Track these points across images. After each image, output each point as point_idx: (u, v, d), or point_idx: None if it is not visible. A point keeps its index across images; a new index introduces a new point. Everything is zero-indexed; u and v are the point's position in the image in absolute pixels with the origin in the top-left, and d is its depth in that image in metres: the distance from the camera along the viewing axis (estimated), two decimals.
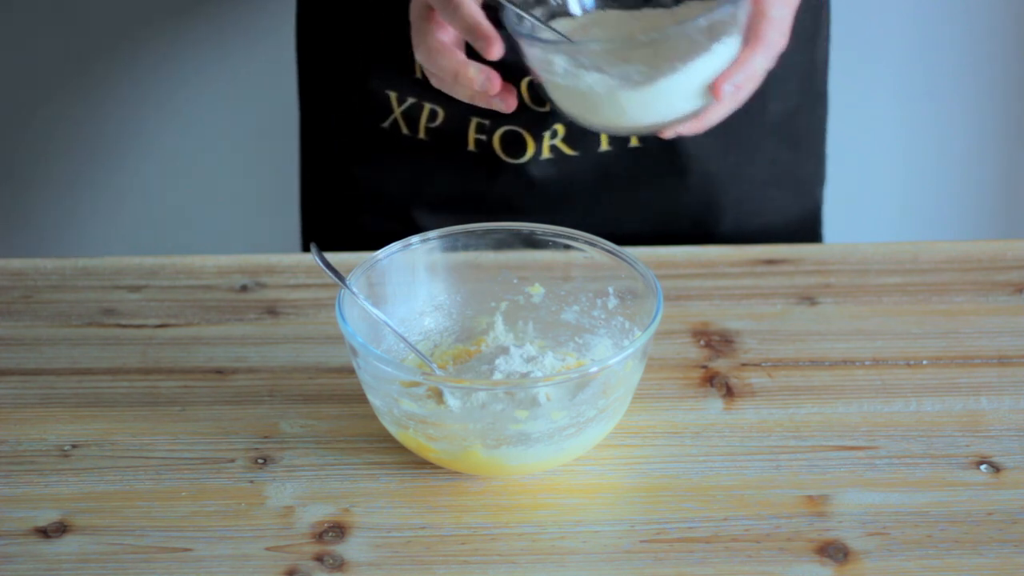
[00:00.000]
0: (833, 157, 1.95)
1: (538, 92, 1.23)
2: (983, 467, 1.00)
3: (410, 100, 1.27)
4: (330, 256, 1.22)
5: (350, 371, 1.01)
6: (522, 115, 1.25)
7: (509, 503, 0.98)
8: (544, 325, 1.08)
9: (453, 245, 1.07)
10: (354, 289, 1.01)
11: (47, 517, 0.97)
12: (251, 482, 1.00)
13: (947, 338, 1.12)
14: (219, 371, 1.10)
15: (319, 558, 0.94)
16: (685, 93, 1.00)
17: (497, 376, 1.01)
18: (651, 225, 1.30)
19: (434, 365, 1.04)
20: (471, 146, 1.28)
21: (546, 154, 1.26)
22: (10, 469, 1.01)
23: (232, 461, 1.01)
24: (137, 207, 1.93)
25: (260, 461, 1.01)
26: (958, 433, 1.03)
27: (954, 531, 0.95)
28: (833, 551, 0.94)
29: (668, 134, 1.04)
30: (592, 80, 0.99)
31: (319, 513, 0.97)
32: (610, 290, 1.05)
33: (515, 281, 1.09)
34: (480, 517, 0.97)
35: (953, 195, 1.99)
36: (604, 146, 1.27)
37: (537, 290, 1.08)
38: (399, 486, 0.99)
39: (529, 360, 1.03)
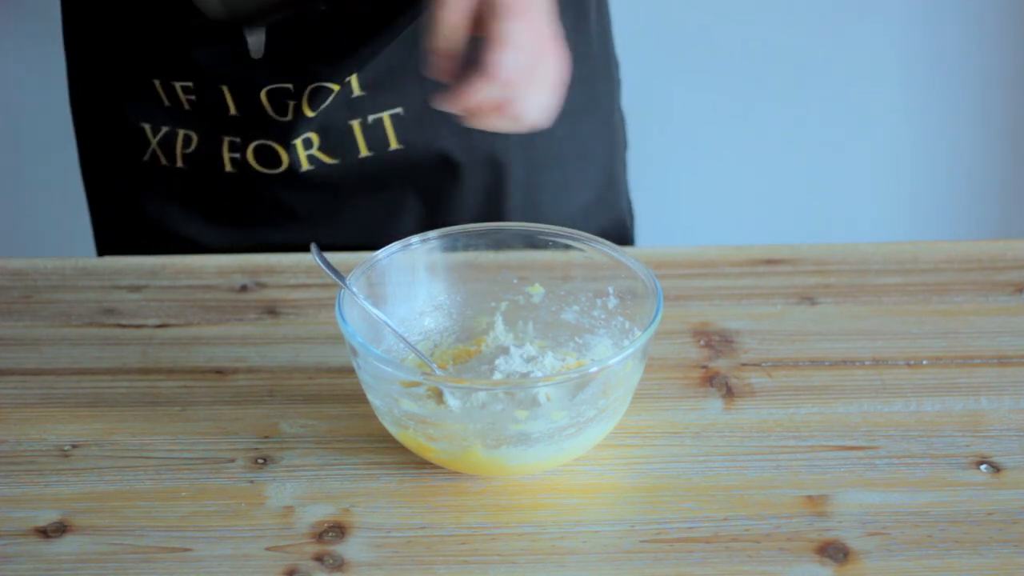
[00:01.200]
0: (833, 156, 1.96)
1: (278, 101, 1.23)
2: (983, 467, 1.00)
3: (164, 129, 1.27)
4: (330, 256, 1.22)
5: (350, 371, 1.01)
6: (268, 128, 1.24)
7: (509, 503, 0.98)
8: (544, 325, 1.08)
9: (453, 245, 1.07)
10: (354, 289, 1.01)
11: (47, 517, 0.97)
12: (251, 482, 1.00)
13: (947, 338, 1.12)
14: (219, 371, 1.10)
15: (319, 558, 0.94)
16: None
17: (497, 376, 1.01)
18: (437, 220, 1.28)
19: (434, 365, 1.04)
20: (228, 166, 1.27)
21: (305, 165, 1.26)
22: (10, 469, 1.01)
23: (232, 461, 1.01)
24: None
25: (260, 461, 1.01)
26: (958, 433, 1.03)
27: (954, 531, 0.95)
28: (833, 551, 0.94)
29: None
30: None
31: (319, 513, 0.97)
32: (610, 290, 1.05)
33: (515, 281, 1.09)
34: (480, 517, 0.97)
35: (953, 195, 2.00)
36: (363, 151, 1.26)
37: (537, 290, 1.08)
38: (399, 486, 0.99)
39: (529, 360, 1.03)
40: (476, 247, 1.08)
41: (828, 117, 1.91)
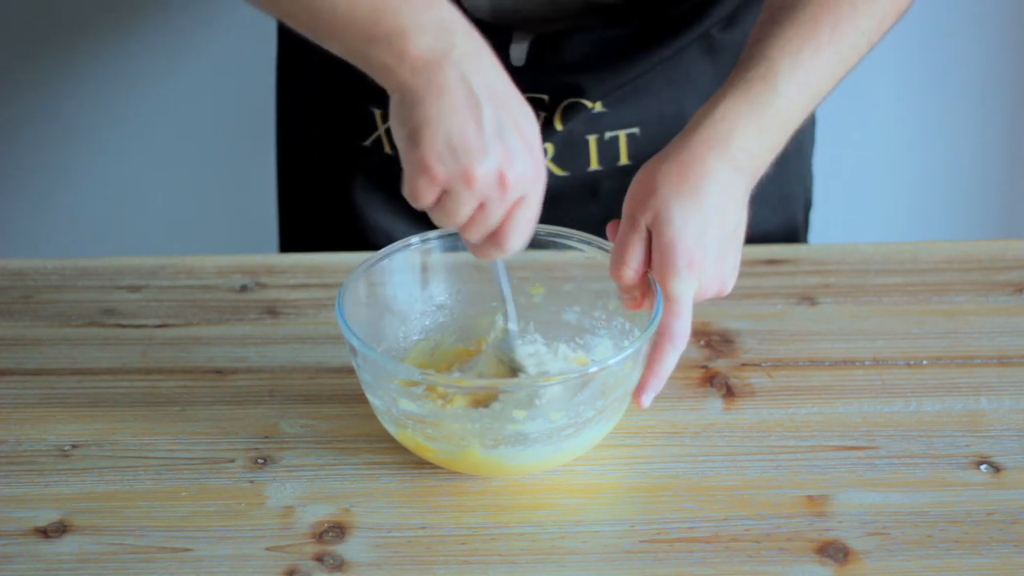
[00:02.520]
0: (834, 157, 1.96)
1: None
2: (983, 467, 1.00)
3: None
4: (329, 256, 1.22)
5: (350, 371, 1.01)
6: None
7: (509, 503, 0.98)
8: (545, 325, 1.08)
9: (453, 245, 1.07)
10: (512, 327, 1.01)
11: (47, 517, 0.97)
12: (251, 482, 1.00)
13: (947, 338, 1.12)
14: (219, 371, 1.10)
15: (319, 558, 0.94)
16: None
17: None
18: None
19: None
20: None
21: None
22: (10, 469, 1.01)
23: (232, 461, 1.01)
24: (137, 207, 1.93)
25: (260, 461, 1.01)
26: (958, 433, 1.03)
27: (954, 531, 0.95)
28: (833, 551, 0.94)
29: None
30: None
31: (319, 513, 0.97)
32: (610, 290, 1.05)
33: (515, 281, 1.09)
34: (480, 517, 0.97)
35: (953, 195, 1.99)
36: (594, 164, 1.26)
37: (538, 290, 1.08)
38: (399, 486, 0.99)
39: (532, 356, 1.03)
40: None
41: (828, 117, 1.90)
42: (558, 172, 1.25)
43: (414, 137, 0.91)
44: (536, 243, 1.07)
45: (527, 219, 0.94)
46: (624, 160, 1.26)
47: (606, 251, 1.05)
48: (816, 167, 1.96)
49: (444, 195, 0.92)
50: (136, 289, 1.19)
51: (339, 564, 0.93)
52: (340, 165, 1.31)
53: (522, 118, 0.93)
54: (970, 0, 1.86)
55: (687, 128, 1.01)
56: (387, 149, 1.28)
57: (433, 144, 0.90)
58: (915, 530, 0.95)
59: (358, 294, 1.02)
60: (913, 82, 1.91)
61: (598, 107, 1.23)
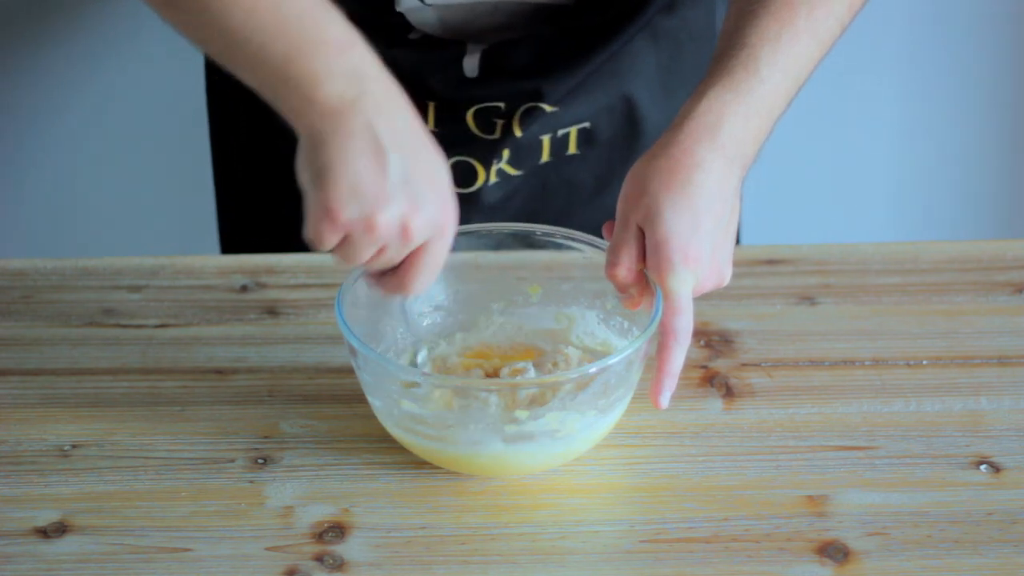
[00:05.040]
0: (833, 157, 1.96)
1: (486, 120, 1.22)
2: (983, 467, 1.00)
3: None
4: (325, 256, 1.22)
5: (350, 371, 1.01)
6: (472, 144, 1.24)
7: (509, 503, 0.98)
8: (542, 327, 1.08)
9: (453, 245, 1.07)
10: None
11: (47, 517, 0.97)
12: (251, 482, 1.00)
13: (947, 338, 1.12)
14: (219, 371, 1.10)
15: (319, 558, 0.94)
16: None
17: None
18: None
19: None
20: None
21: (493, 179, 1.26)
22: (10, 469, 1.01)
23: (232, 461, 1.01)
24: (137, 207, 1.93)
25: (260, 461, 1.01)
26: (958, 433, 1.03)
27: (954, 531, 0.95)
28: (833, 551, 0.94)
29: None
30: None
31: (319, 513, 0.97)
32: (609, 290, 1.05)
33: (514, 281, 1.09)
34: (480, 517, 0.97)
35: (953, 195, 1.99)
36: (545, 158, 1.26)
37: (536, 290, 1.08)
38: (399, 486, 0.99)
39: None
40: (476, 247, 1.07)
41: (828, 117, 1.90)
42: (512, 172, 1.25)
43: (318, 180, 0.91)
44: (534, 243, 1.07)
45: (430, 264, 0.94)
46: (573, 150, 1.26)
47: (604, 251, 1.05)
48: (816, 167, 1.97)
49: (345, 239, 0.92)
50: (136, 289, 1.19)
51: (339, 564, 0.93)
52: (290, 183, 1.31)
53: (431, 166, 0.93)
54: (970, 0, 1.86)
55: (674, 123, 1.01)
56: None
57: (336, 188, 0.90)
58: (915, 530, 0.95)
59: (357, 294, 1.02)
60: (913, 82, 1.91)
61: (549, 108, 1.23)
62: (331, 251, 0.93)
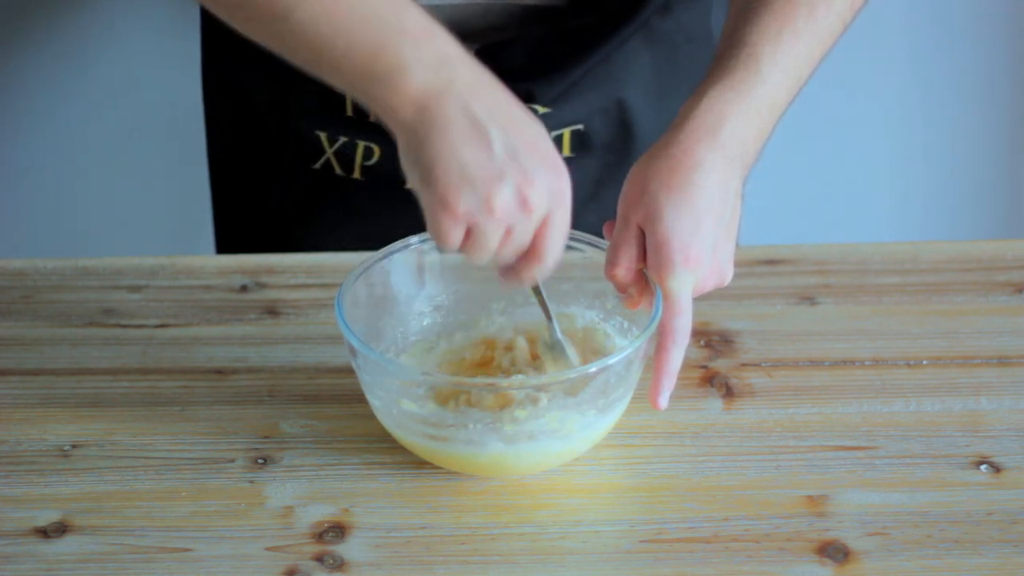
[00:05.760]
0: (833, 157, 1.96)
1: None
2: (983, 467, 1.00)
3: (342, 139, 1.25)
4: (329, 256, 1.22)
5: (350, 371, 1.01)
6: None
7: (509, 503, 0.98)
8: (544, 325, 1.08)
9: None
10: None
11: (47, 517, 0.97)
12: (251, 482, 1.00)
13: (947, 338, 1.12)
14: (219, 371, 1.10)
15: (319, 558, 0.94)
16: None
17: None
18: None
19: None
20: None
21: None
22: (10, 469, 1.01)
23: (232, 461, 1.01)
24: (137, 207, 1.93)
25: (260, 461, 1.01)
26: (958, 433, 1.03)
27: (954, 531, 0.95)
28: (833, 551, 0.94)
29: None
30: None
31: (319, 513, 0.97)
32: (609, 290, 1.05)
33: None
34: (480, 517, 0.97)
35: (953, 195, 1.99)
36: None
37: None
38: (399, 486, 0.99)
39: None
40: None
41: (828, 117, 1.90)
42: None
43: (427, 177, 0.90)
44: None
45: (559, 233, 0.94)
46: (567, 152, 1.26)
47: (604, 251, 1.05)
48: (816, 167, 1.97)
49: (470, 231, 0.91)
50: (136, 289, 1.19)
51: (339, 564, 0.93)
52: (286, 188, 1.31)
53: (534, 135, 0.92)
54: (970, 0, 1.86)
55: (674, 123, 1.01)
56: (337, 171, 1.27)
57: (448, 180, 0.89)
58: (915, 530, 0.95)
59: (357, 294, 1.02)
60: (913, 82, 1.91)
61: (542, 109, 1.23)
62: (461, 250, 0.92)
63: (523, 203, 0.91)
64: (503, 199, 0.90)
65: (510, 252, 0.93)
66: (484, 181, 0.90)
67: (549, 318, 1.02)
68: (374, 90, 0.91)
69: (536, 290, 1.01)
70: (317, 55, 0.93)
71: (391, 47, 0.90)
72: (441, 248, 0.92)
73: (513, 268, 0.95)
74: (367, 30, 0.91)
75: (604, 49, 1.23)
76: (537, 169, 0.91)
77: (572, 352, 1.03)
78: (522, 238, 0.93)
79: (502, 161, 0.90)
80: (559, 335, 1.02)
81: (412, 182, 0.92)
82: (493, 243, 0.92)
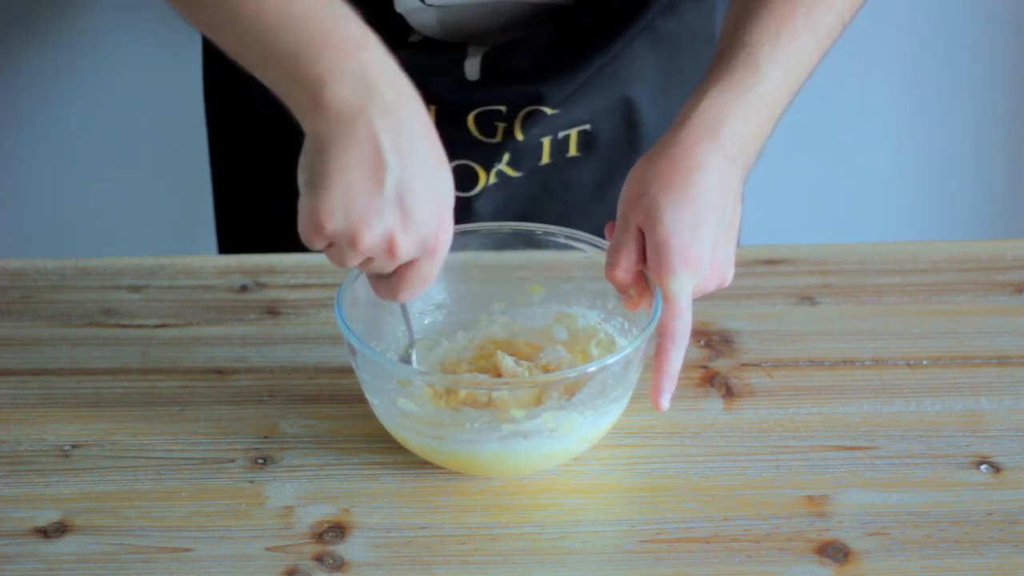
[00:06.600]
0: (833, 157, 1.96)
1: (487, 123, 1.22)
2: (983, 467, 1.00)
3: None
4: (324, 256, 1.22)
5: (350, 371, 1.01)
6: (473, 148, 1.23)
7: (509, 503, 0.98)
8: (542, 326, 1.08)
9: (453, 245, 1.07)
10: None
11: (47, 517, 0.97)
12: (251, 482, 1.00)
13: (947, 338, 1.12)
14: (219, 371, 1.10)
15: (319, 558, 0.94)
16: None
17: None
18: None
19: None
20: None
21: (493, 180, 1.25)
22: (10, 469, 1.01)
23: (232, 461, 1.01)
24: (137, 207, 1.93)
25: (260, 461, 1.01)
26: (958, 433, 1.03)
27: (954, 531, 0.95)
28: (833, 551, 0.94)
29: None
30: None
31: (319, 513, 0.97)
32: (610, 290, 1.05)
33: (515, 281, 1.09)
34: (480, 517, 0.97)
35: (953, 195, 1.99)
36: (545, 160, 1.26)
37: (537, 289, 1.08)
38: (399, 486, 0.99)
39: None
40: (476, 247, 1.07)
41: (828, 117, 1.90)
42: (512, 174, 1.25)
43: (311, 186, 0.90)
44: (535, 243, 1.07)
45: (418, 280, 0.93)
46: (573, 152, 1.26)
47: (605, 251, 1.05)
48: (816, 167, 1.97)
49: (330, 245, 0.92)
50: (136, 289, 1.19)
51: (339, 564, 0.93)
52: (288, 188, 1.31)
53: (432, 180, 0.91)
54: (970, 0, 1.86)
55: (674, 123, 1.01)
56: None
57: (327, 198, 0.89)
58: (915, 530, 0.95)
59: (357, 293, 1.02)
60: (913, 82, 1.91)
61: (550, 111, 1.23)
62: (322, 251, 0.93)
63: (389, 248, 0.90)
64: (370, 238, 0.90)
65: (369, 271, 0.94)
66: (359, 214, 0.89)
67: (410, 336, 1.02)
68: (292, 92, 0.91)
69: (402, 307, 1.01)
70: (244, 49, 0.92)
71: (314, 55, 0.89)
72: (305, 244, 0.93)
73: (374, 283, 0.96)
74: (294, 33, 0.90)
75: (610, 50, 1.23)
76: (418, 217, 0.90)
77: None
78: (381, 269, 0.93)
79: (386, 199, 0.89)
80: (413, 359, 1.03)
81: (300, 182, 0.91)
82: (350, 263, 0.92)
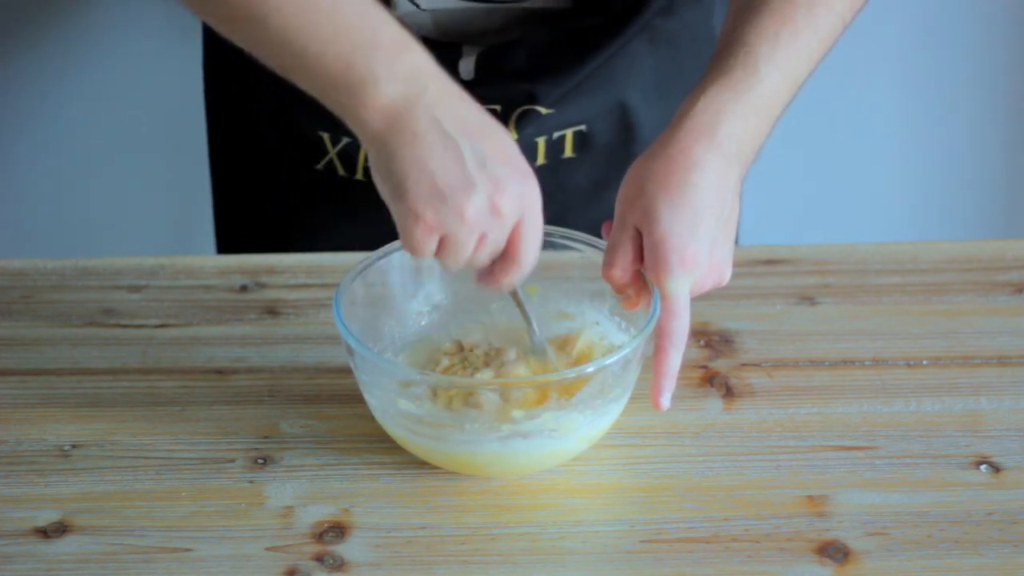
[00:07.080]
0: (833, 157, 1.96)
1: None
2: (983, 467, 1.00)
3: (346, 140, 1.25)
4: (329, 256, 1.22)
5: (350, 371, 1.01)
6: None
7: (509, 503, 0.98)
8: (543, 325, 1.08)
9: None
10: None
11: (47, 517, 0.97)
12: (251, 482, 1.00)
13: (947, 338, 1.12)
14: (219, 371, 1.10)
15: (319, 558, 0.94)
16: None
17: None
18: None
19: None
20: None
21: None
22: (10, 469, 1.01)
23: (232, 461, 1.01)
24: (137, 207, 1.93)
25: (260, 461, 1.01)
26: (958, 433, 1.03)
27: (954, 531, 0.95)
28: (833, 551, 0.94)
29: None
30: None
31: (319, 513, 0.97)
32: (607, 290, 1.05)
33: None
34: (480, 517, 0.97)
35: (953, 195, 1.99)
36: (540, 160, 1.26)
37: (534, 289, 1.08)
38: (399, 486, 0.99)
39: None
40: None
41: (828, 117, 1.90)
42: None
43: (398, 189, 0.91)
44: None
45: (533, 237, 0.94)
46: (568, 153, 1.26)
47: (602, 251, 1.05)
48: (816, 167, 1.97)
49: (443, 240, 0.92)
50: (136, 289, 1.19)
51: (339, 564, 0.93)
52: (288, 189, 1.31)
53: (503, 144, 0.93)
54: (970, 0, 1.86)
55: (672, 123, 1.01)
56: (340, 171, 1.27)
57: (418, 192, 0.90)
58: (915, 530, 0.95)
59: (355, 294, 1.02)
60: (913, 82, 1.91)
61: (545, 110, 1.23)
62: (436, 256, 0.93)
63: (495, 210, 0.92)
64: (475, 208, 0.91)
65: (485, 257, 0.94)
66: (455, 192, 0.91)
67: (529, 323, 1.02)
68: (344, 100, 0.92)
69: (514, 295, 1.01)
70: (290, 61, 0.93)
71: (362, 59, 0.91)
72: (414, 257, 0.93)
73: (490, 273, 0.96)
74: (340, 40, 0.91)
75: (607, 50, 1.23)
76: (507, 177, 0.92)
77: (554, 356, 1.03)
78: (496, 243, 0.94)
79: (473, 171, 0.91)
80: (539, 339, 1.02)
81: (383, 194, 0.93)
82: (467, 250, 0.93)
